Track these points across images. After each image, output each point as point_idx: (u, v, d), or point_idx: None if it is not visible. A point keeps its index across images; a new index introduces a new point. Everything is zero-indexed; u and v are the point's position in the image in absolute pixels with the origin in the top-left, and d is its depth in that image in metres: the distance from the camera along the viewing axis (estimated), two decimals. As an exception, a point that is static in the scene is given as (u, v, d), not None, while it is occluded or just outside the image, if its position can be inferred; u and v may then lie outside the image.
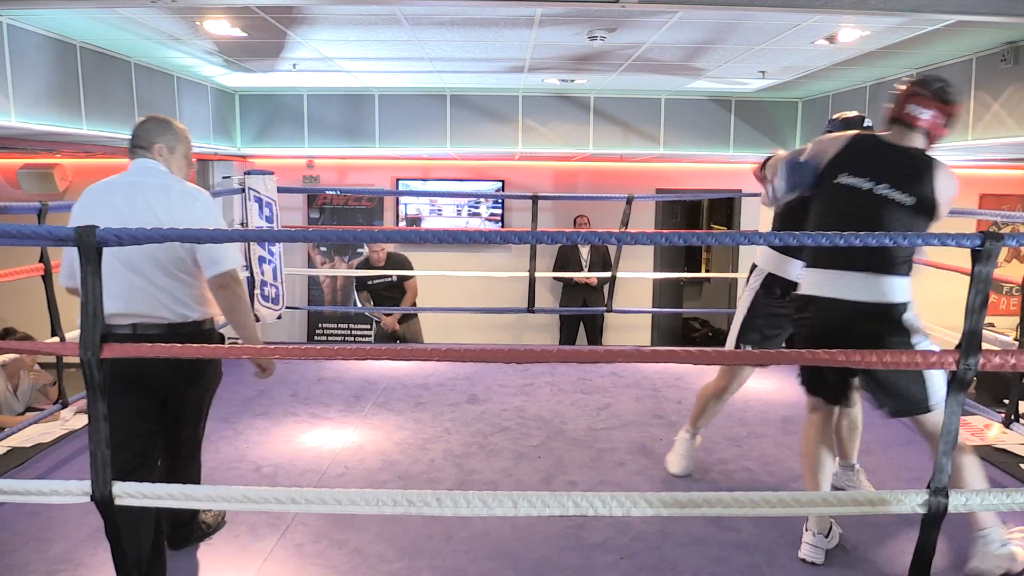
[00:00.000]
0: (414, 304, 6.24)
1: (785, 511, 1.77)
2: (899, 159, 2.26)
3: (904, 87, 2.33)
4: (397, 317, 6.12)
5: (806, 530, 2.44)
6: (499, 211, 8.38)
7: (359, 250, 8.40)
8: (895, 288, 2.24)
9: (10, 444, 3.39)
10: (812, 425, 2.51)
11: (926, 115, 2.24)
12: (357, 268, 6.47)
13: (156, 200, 2.21)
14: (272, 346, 2.11)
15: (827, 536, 2.43)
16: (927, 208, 2.22)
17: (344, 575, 2.35)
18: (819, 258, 2.35)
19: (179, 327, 2.23)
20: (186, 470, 2.41)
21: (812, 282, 2.38)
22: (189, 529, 2.48)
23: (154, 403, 2.25)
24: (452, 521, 2.63)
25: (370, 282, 6.22)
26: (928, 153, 2.28)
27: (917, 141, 2.29)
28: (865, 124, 2.95)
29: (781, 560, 2.44)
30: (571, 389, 4.31)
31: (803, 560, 2.42)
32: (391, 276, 6.10)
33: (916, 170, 2.23)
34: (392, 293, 6.20)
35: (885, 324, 2.24)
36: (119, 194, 2.23)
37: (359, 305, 6.35)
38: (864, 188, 2.25)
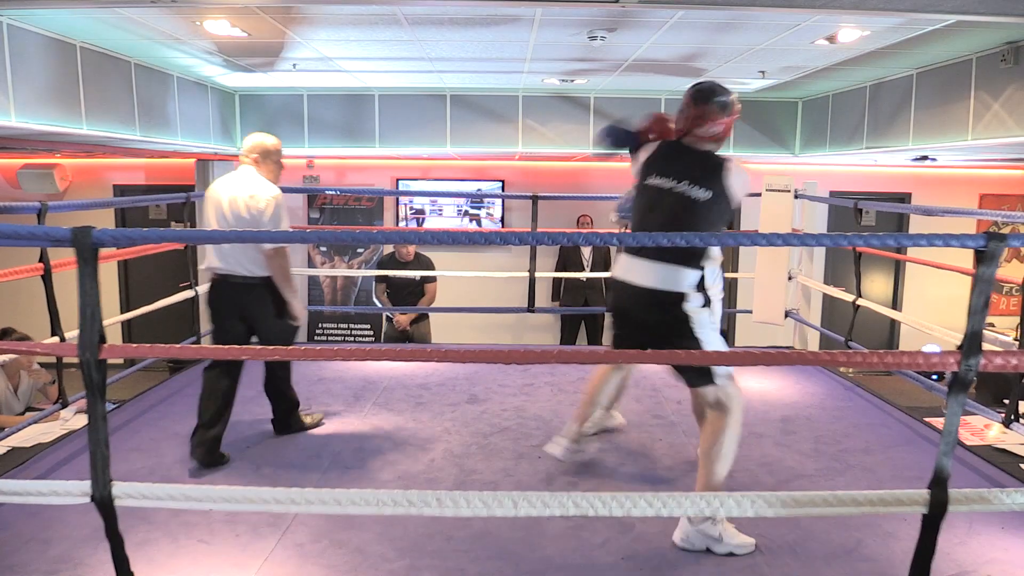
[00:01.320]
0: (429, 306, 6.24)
1: (785, 511, 1.77)
2: (696, 161, 2.63)
3: (691, 109, 2.63)
4: (411, 316, 6.12)
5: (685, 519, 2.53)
6: (478, 212, 8.38)
7: (359, 250, 8.41)
8: (679, 277, 2.54)
9: (10, 444, 3.39)
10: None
11: (717, 130, 2.62)
12: (381, 262, 6.46)
13: (238, 194, 3.17)
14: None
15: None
16: (723, 200, 2.57)
17: (345, 575, 2.35)
18: (628, 246, 2.71)
19: (252, 280, 3.21)
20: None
21: (617, 265, 2.74)
22: (288, 423, 3.51)
23: (242, 327, 3.29)
24: (453, 521, 2.63)
25: (392, 278, 6.21)
26: (720, 155, 2.65)
27: (710, 146, 2.67)
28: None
29: (781, 560, 2.44)
30: (571, 389, 4.30)
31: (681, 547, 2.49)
32: (415, 277, 6.10)
33: (710, 170, 2.59)
34: (411, 292, 6.20)
35: (666, 310, 2.55)
36: (221, 188, 3.22)
37: (376, 300, 6.33)
38: (667, 187, 2.62)
